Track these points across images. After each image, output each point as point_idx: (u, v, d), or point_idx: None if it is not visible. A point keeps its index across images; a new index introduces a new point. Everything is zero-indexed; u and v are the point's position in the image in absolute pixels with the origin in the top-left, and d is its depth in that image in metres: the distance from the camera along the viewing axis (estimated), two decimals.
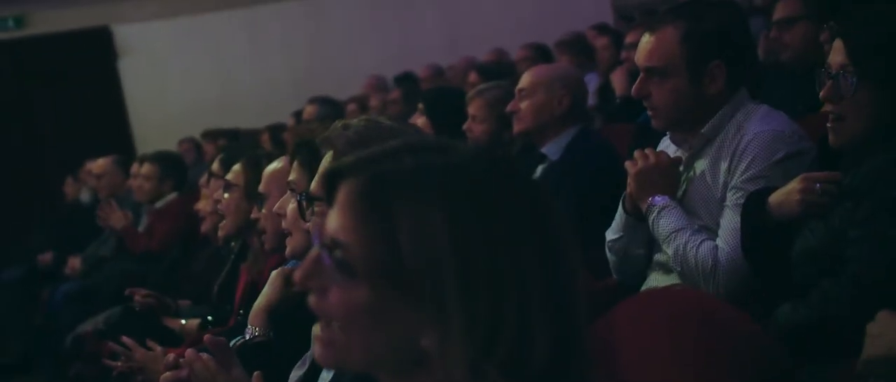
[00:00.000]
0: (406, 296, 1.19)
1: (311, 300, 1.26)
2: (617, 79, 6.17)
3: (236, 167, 3.88)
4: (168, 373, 2.00)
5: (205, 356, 1.94)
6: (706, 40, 2.87)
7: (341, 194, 1.23)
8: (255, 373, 1.95)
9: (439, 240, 1.18)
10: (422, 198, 1.19)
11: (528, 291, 1.19)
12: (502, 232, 1.19)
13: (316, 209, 2.38)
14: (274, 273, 2.80)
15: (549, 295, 1.20)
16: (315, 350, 1.27)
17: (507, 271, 1.18)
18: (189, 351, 1.97)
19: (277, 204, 2.70)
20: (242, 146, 5.96)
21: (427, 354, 1.20)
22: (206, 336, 2.04)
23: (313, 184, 2.37)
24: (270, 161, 3.42)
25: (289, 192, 2.63)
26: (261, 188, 3.26)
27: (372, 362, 1.25)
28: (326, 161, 2.33)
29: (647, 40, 2.94)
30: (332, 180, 1.26)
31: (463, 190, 1.20)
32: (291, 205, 2.56)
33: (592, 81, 7.38)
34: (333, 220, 1.24)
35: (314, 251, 1.25)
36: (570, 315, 1.22)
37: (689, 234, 2.83)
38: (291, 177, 2.63)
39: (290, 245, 2.58)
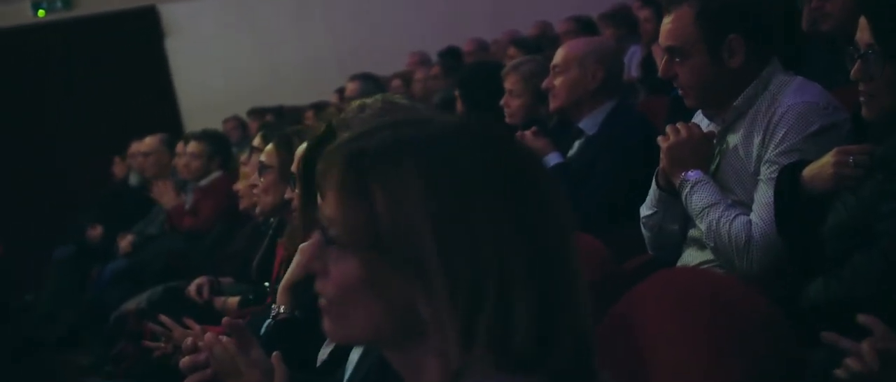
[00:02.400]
0: (394, 265, 1.23)
1: (317, 283, 1.31)
2: (658, 52, 6.10)
3: (269, 148, 3.89)
4: (187, 357, 2.00)
5: (224, 339, 1.95)
6: (720, 15, 2.86)
7: (328, 175, 1.29)
8: (274, 353, 1.96)
9: (414, 208, 1.22)
10: (396, 169, 1.24)
11: (508, 263, 1.21)
12: (479, 201, 1.22)
13: None
14: (299, 250, 2.81)
15: (531, 270, 1.22)
16: (324, 325, 1.32)
17: (484, 240, 1.21)
18: (208, 335, 1.97)
19: None
20: (281, 123, 5.99)
21: (426, 323, 1.23)
22: (225, 319, 2.05)
23: None
24: (302, 140, 3.42)
25: None
26: (293, 167, 3.26)
27: (375, 335, 1.29)
28: None
29: (666, 21, 2.95)
30: (328, 161, 1.30)
31: (438, 159, 1.24)
32: None
33: (636, 54, 7.33)
34: (325, 201, 1.29)
35: (316, 234, 1.30)
36: (558, 291, 1.24)
37: (722, 209, 2.80)
38: None
39: None
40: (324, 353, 2.58)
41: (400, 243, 1.22)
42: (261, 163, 3.91)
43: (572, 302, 1.25)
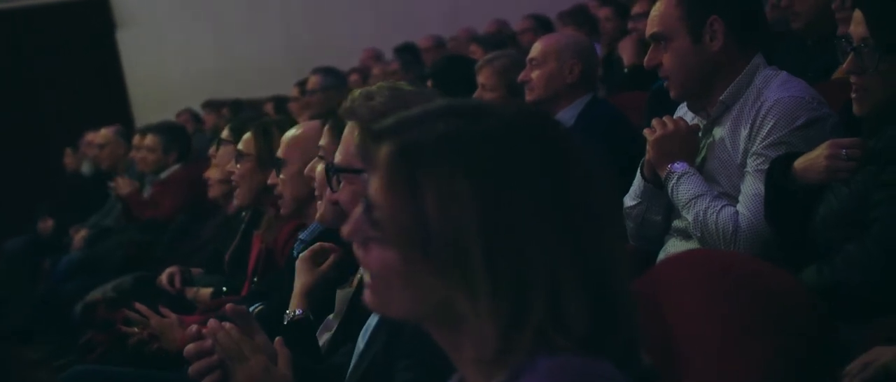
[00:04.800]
0: (435, 264, 1.22)
1: (356, 251, 1.31)
2: (624, 49, 6.16)
3: (247, 136, 3.87)
4: (191, 345, 1.97)
5: (227, 324, 1.94)
6: None
7: (379, 156, 1.27)
8: (277, 338, 1.95)
9: (463, 211, 1.21)
10: (447, 168, 1.22)
11: (559, 260, 1.21)
12: (530, 202, 1.21)
13: (342, 181, 2.37)
14: (298, 261, 2.80)
15: (583, 262, 1.22)
16: (364, 295, 1.32)
17: (534, 241, 1.20)
18: (212, 321, 1.95)
19: (307, 168, 2.74)
20: (250, 114, 5.94)
21: (463, 316, 1.23)
22: (228, 305, 2.02)
23: (338, 156, 2.37)
24: (281, 128, 3.42)
25: (317, 158, 2.64)
26: (280, 153, 3.25)
27: (411, 317, 1.30)
28: (349, 131, 2.33)
29: (653, 9, 3.02)
30: (374, 140, 1.29)
31: (490, 158, 1.22)
32: (320, 168, 2.57)
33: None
34: (372, 181, 1.28)
35: (360, 206, 1.29)
36: (609, 279, 1.24)
37: (708, 200, 2.84)
38: (322, 142, 2.63)
39: (320, 209, 2.59)
40: (323, 339, 2.60)
41: (445, 248, 1.21)
42: (238, 151, 3.89)
43: (623, 284, 1.26)
